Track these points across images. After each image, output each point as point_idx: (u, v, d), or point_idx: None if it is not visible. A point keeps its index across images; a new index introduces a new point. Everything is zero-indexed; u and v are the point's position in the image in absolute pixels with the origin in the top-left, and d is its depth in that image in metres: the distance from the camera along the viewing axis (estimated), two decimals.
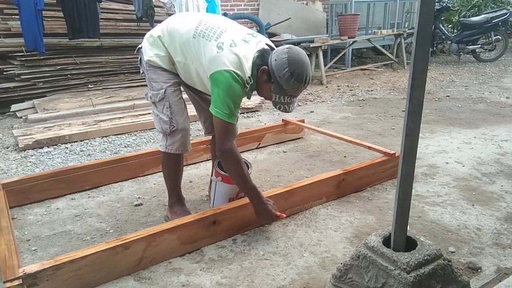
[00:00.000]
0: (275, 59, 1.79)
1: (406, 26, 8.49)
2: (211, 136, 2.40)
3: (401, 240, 1.53)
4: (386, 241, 1.56)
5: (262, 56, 1.85)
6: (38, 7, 4.22)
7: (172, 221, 1.93)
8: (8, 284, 1.48)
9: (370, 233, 1.95)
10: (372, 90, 5.62)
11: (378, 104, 4.80)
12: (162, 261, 1.84)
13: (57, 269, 1.57)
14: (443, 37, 7.93)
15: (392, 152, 2.62)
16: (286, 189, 2.20)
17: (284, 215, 2.01)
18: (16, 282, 1.49)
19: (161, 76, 2.02)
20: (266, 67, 1.82)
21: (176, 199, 2.21)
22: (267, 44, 1.94)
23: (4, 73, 4.68)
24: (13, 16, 4.77)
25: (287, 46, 1.85)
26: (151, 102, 2.07)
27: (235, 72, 1.78)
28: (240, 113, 4.49)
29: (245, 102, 4.67)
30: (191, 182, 2.74)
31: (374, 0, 7.88)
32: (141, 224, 2.19)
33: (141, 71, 2.13)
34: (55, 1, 4.65)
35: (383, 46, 7.66)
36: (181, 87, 2.14)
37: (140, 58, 2.09)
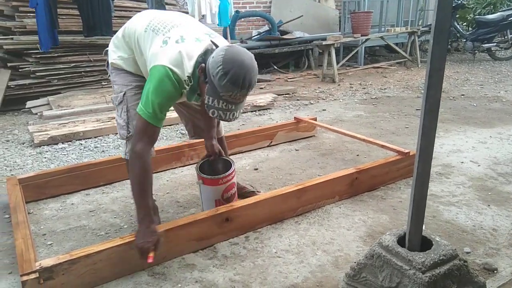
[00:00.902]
0: (213, 56, 1.58)
1: (420, 23, 8.39)
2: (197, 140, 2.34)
3: (416, 239, 1.51)
4: (401, 241, 1.54)
5: (206, 53, 1.65)
6: None
7: (186, 218, 1.94)
8: (25, 278, 1.50)
9: (384, 233, 1.94)
10: (385, 89, 5.57)
11: (392, 103, 4.76)
12: (176, 257, 1.85)
13: (73, 264, 1.59)
14: (458, 35, 7.83)
15: (406, 151, 2.60)
16: (298, 187, 2.19)
17: (151, 260, 1.63)
18: (33, 276, 1.51)
19: (123, 79, 1.91)
20: (204, 65, 1.62)
21: None
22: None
23: (20, 70, 4.75)
24: (28, 14, 4.84)
25: (231, 44, 1.67)
26: (115, 105, 1.97)
27: (171, 69, 1.62)
28: (251, 111, 4.51)
29: (257, 100, 4.67)
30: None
31: None
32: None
33: (108, 74, 2.03)
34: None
35: (397, 44, 7.58)
36: None
37: (107, 61, 2.00)
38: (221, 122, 2.33)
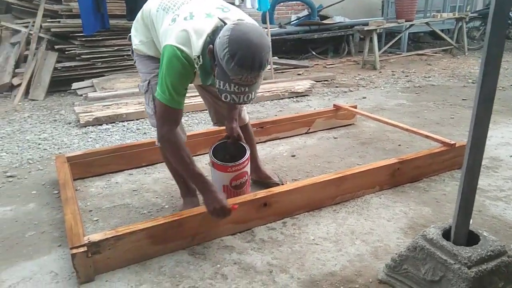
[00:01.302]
0: (219, 37, 1.46)
1: (468, 9, 7.97)
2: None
3: (462, 233, 1.46)
4: (446, 234, 1.50)
5: (214, 33, 1.54)
6: None
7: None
8: (74, 251, 1.58)
9: (426, 225, 1.90)
10: (429, 77, 5.36)
11: (436, 92, 4.57)
12: (214, 239, 1.89)
13: (119, 239, 1.65)
14: (509, 21, 7.37)
15: (452, 142, 2.50)
16: (338, 175, 2.17)
17: (236, 206, 1.77)
18: (82, 249, 1.59)
19: (146, 67, 1.88)
20: (212, 46, 1.50)
21: (184, 190, 2.12)
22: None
23: (66, 52, 4.93)
24: None
25: (238, 21, 1.53)
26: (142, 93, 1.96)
27: (178, 48, 1.54)
28: (289, 97, 4.47)
29: (294, 86, 4.63)
30: None
31: None
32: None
33: (133, 61, 2.01)
34: None
35: (442, 31, 7.25)
36: None
37: (132, 48, 1.98)
38: (244, 109, 2.27)
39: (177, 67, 1.57)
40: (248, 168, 2.12)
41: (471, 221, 1.47)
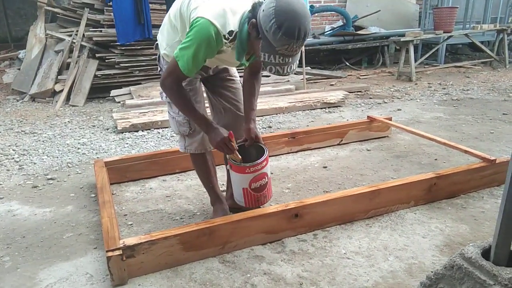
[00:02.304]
0: (263, 10, 1.49)
1: (509, 21, 7.69)
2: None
3: (503, 253, 1.40)
4: (485, 254, 1.44)
5: (254, 8, 1.57)
6: None
7: (255, 211, 1.97)
8: (110, 253, 1.63)
9: (464, 243, 1.83)
10: (468, 90, 5.19)
11: (475, 105, 4.43)
12: (245, 248, 1.89)
13: (152, 244, 1.69)
14: None
15: (492, 158, 2.40)
16: (371, 188, 2.13)
17: (229, 164, 1.90)
18: (117, 252, 1.63)
19: None
20: (255, 20, 1.53)
21: (214, 198, 2.14)
22: None
23: (106, 60, 5.13)
24: None
25: None
26: (166, 102, 1.97)
27: (211, 22, 1.56)
28: (321, 108, 4.45)
29: (327, 97, 4.60)
30: (272, 173, 2.77)
31: None
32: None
33: (158, 69, 2.01)
34: None
35: (482, 42, 7.02)
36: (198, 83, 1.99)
37: (158, 55, 1.97)
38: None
39: (204, 39, 1.57)
40: (267, 170, 2.03)
41: None
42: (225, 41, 1.61)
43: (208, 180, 2.11)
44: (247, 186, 1.98)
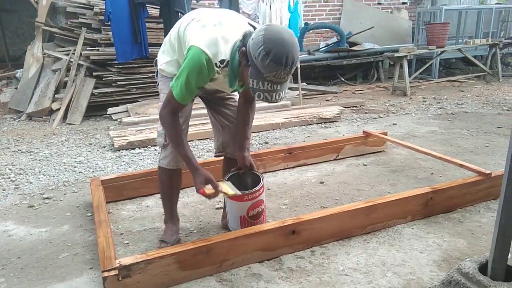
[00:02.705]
0: (252, 38, 1.55)
1: (501, 35, 7.83)
2: (223, 157, 2.24)
3: (500, 268, 1.40)
4: (482, 269, 1.44)
5: (245, 37, 1.63)
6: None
7: (253, 227, 1.96)
8: (106, 274, 1.61)
9: (461, 258, 1.83)
10: (462, 104, 5.24)
11: (470, 119, 4.46)
12: (242, 266, 1.88)
13: (149, 263, 1.68)
14: None
15: (488, 172, 2.42)
16: (368, 204, 2.13)
17: (202, 191, 1.79)
18: (113, 272, 1.62)
19: (168, 87, 1.88)
20: (245, 48, 1.58)
21: (168, 216, 2.12)
22: None
23: (103, 79, 5.17)
24: None
25: (269, 23, 1.65)
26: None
27: (203, 51, 1.62)
28: (317, 123, 4.47)
29: (323, 112, 4.63)
30: (269, 189, 2.77)
31: (466, 8, 7.40)
32: (222, 227, 2.26)
33: (156, 84, 2.07)
34: (158, 15, 5.03)
35: (475, 57, 7.12)
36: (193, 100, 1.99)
37: (157, 70, 2.04)
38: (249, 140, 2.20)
39: (196, 67, 1.64)
40: (263, 196, 2.07)
41: (509, 255, 1.40)
42: (217, 69, 1.67)
43: (169, 198, 2.10)
44: (244, 214, 2.00)
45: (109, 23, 4.83)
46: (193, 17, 1.83)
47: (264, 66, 1.51)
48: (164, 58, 1.95)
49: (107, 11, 4.60)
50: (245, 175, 2.11)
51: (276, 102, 1.62)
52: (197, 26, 1.73)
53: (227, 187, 1.90)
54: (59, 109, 4.95)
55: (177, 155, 1.94)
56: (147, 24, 5.38)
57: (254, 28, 1.66)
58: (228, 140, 2.15)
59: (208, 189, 1.80)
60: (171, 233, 2.08)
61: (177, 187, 2.10)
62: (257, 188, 1.99)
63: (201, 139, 3.94)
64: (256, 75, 1.55)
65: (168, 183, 2.06)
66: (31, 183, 3.01)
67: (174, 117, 1.79)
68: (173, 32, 1.91)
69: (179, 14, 4.69)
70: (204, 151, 3.62)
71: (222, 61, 1.65)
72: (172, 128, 1.81)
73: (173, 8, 4.65)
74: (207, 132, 3.99)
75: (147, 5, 5.04)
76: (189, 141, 3.87)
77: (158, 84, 2.04)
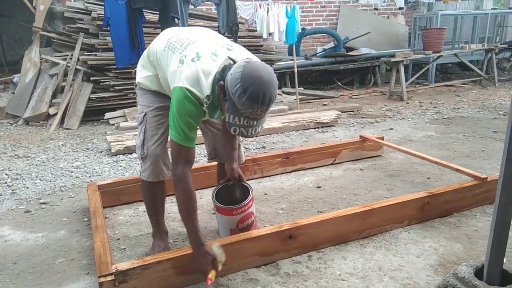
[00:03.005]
0: (231, 73, 1.53)
1: (497, 40, 7.89)
2: (216, 162, 2.24)
3: (496, 272, 1.41)
4: (478, 273, 1.45)
5: (224, 70, 1.60)
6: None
7: (250, 233, 1.96)
8: (102, 279, 1.61)
9: (457, 263, 1.83)
10: (458, 108, 5.27)
11: (466, 123, 4.49)
12: (239, 271, 1.88)
13: (145, 269, 1.67)
14: None
15: (484, 176, 2.43)
16: (364, 208, 2.14)
17: (211, 282, 1.65)
18: (109, 278, 1.61)
19: (146, 100, 1.93)
20: (223, 82, 1.56)
21: (155, 230, 2.09)
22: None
23: (100, 83, 5.16)
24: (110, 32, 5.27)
25: (248, 59, 1.59)
26: (138, 123, 2.00)
27: (188, 90, 1.59)
28: (314, 128, 4.49)
29: (320, 117, 4.65)
30: (266, 194, 2.78)
31: (462, 14, 7.46)
32: (219, 232, 2.26)
33: (135, 94, 2.06)
34: (158, 20, 5.05)
35: (471, 62, 7.17)
36: None
37: (135, 82, 2.02)
38: (242, 149, 2.25)
39: (188, 108, 1.61)
40: (253, 209, 2.06)
41: (505, 259, 1.41)
42: (204, 104, 1.64)
43: (153, 211, 2.06)
44: (234, 227, 2.00)
45: (108, 28, 4.83)
46: (166, 42, 1.79)
47: (240, 103, 1.49)
48: (143, 73, 1.93)
49: (106, 16, 4.60)
50: (234, 187, 2.10)
51: (251, 137, 1.62)
52: (174, 61, 1.68)
53: (219, 255, 1.72)
54: (56, 114, 4.94)
55: (157, 167, 1.93)
56: (144, 29, 5.40)
57: (233, 61, 1.61)
58: (219, 147, 2.16)
59: (212, 274, 1.67)
60: (158, 250, 2.00)
61: (161, 199, 2.06)
62: (245, 202, 1.98)
63: (197, 144, 3.94)
64: (232, 110, 1.53)
65: (150, 196, 2.03)
66: (27, 188, 3.00)
67: (188, 176, 1.69)
68: (151, 49, 1.88)
69: (175, 19, 4.71)
70: (201, 155, 3.62)
71: (208, 97, 1.62)
72: (186, 194, 1.69)
73: (169, 13, 4.66)
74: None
75: (145, 10, 5.06)
76: None
77: (136, 95, 2.02)
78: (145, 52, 1.95)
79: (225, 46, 1.72)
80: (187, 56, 1.66)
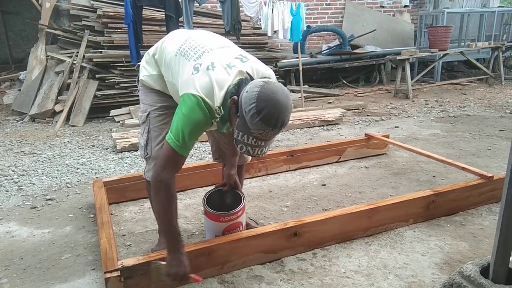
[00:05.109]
0: (247, 91, 1.48)
1: (504, 38, 7.82)
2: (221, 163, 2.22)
3: (502, 271, 1.40)
4: (484, 272, 1.44)
5: (239, 85, 1.55)
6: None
7: (254, 230, 1.97)
8: (108, 275, 1.62)
9: (463, 261, 1.83)
10: (464, 106, 5.24)
11: (472, 122, 4.46)
12: (244, 268, 1.88)
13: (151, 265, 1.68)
14: None
15: (490, 175, 2.41)
16: (370, 206, 2.14)
17: (200, 279, 1.66)
18: (115, 274, 1.63)
19: (149, 98, 1.90)
20: (237, 98, 1.52)
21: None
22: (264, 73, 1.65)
23: (106, 81, 5.18)
24: (116, 30, 5.29)
25: (266, 79, 1.54)
26: (141, 122, 1.97)
27: (202, 99, 1.54)
28: (319, 126, 4.48)
29: (325, 115, 4.64)
30: (271, 192, 2.78)
31: (469, 11, 7.40)
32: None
33: (137, 90, 2.01)
34: (163, 18, 5.05)
35: (478, 60, 7.12)
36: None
37: (138, 76, 1.98)
38: None
39: (198, 116, 1.56)
40: (243, 219, 2.00)
41: (511, 258, 1.40)
42: (217, 115, 1.60)
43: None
44: (220, 234, 1.94)
45: (127, 25, 4.75)
46: (179, 48, 1.73)
47: (252, 123, 1.45)
48: (148, 69, 1.90)
49: (128, 13, 4.54)
50: (227, 194, 2.08)
51: (257, 156, 1.58)
52: (189, 68, 1.63)
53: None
54: (62, 111, 4.97)
55: None
56: (149, 27, 5.42)
57: (251, 77, 1.58)
58: (223, 148, 2.15)
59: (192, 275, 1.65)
60: (164, 246, 1.94)
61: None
62: (235, 210, 1.93)
63: (203, 141, 3.95)
64: (242, 128, 1.50)
65: None
66: (34, 184, 3.03)
67: (173, 182, 1.64)
68: (159, 49, 1.84)
69: (171, 17, 4.70)
70: (206, 153, 3.63)
71: (219, 108, 1.57)
72: (169, 199, 1.63)
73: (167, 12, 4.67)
74: None
75: (150, 8, 5.05)
76: None
77: (138, 91, 1.99)
78: (150, 50, 1.91)
79: (239, 57, 1.68)
80: (202, 64, 1.62)
